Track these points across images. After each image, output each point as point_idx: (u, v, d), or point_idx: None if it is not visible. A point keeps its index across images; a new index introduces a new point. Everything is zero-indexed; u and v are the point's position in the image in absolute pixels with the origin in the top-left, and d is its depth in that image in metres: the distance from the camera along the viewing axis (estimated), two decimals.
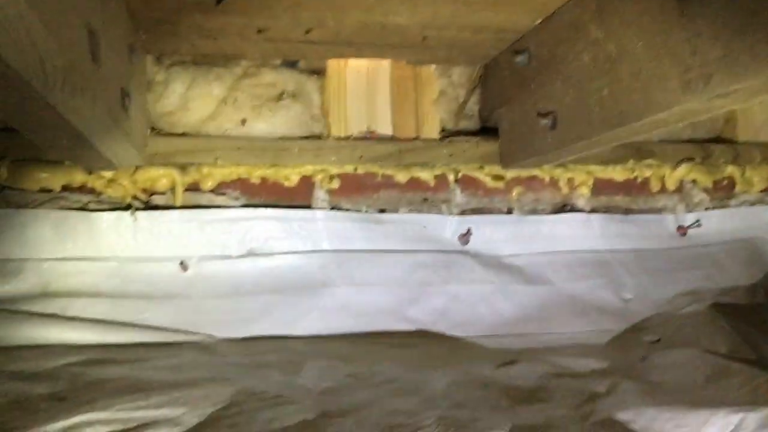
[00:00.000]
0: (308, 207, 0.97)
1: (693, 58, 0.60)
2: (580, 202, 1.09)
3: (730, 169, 1.14)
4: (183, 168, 0.94)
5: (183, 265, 0.91)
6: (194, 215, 0.92)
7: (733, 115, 1.15)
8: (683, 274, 1.07)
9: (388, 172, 1.01)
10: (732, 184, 1.14)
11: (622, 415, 0.66)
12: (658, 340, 0.95)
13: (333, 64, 0.99)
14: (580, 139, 0.79)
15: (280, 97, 0.98)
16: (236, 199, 0.96)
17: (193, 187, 0.95)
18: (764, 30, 0.52)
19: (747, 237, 1.13)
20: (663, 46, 0.63)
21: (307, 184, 0.98)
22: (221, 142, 0.95)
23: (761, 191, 1.15)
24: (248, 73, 0.97)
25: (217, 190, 0.96)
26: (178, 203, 0.93)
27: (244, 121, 0.96)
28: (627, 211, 1.10)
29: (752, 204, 1.15)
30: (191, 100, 0.95)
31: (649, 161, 1.10)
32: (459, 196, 1.04)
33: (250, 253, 0.93)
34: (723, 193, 1.14)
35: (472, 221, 1.02)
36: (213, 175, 0.95)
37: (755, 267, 1.11)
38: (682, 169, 1.12)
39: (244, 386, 0.67)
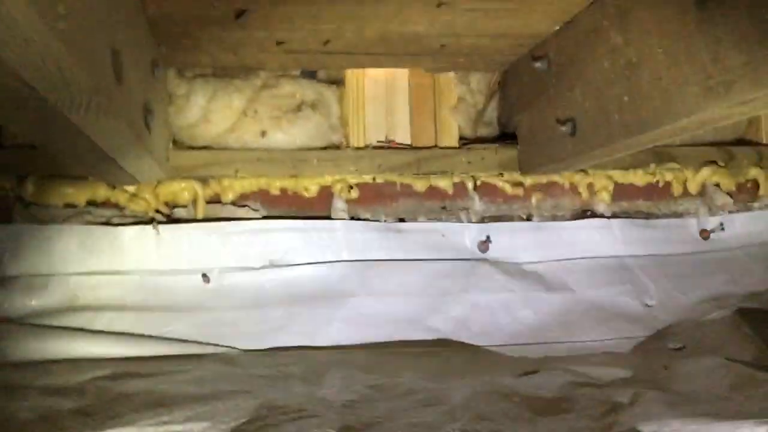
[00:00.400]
0: (327, 217, 0.98)
1: (714, 66, 0.59)
2: (601, 208, 1.08)
3: (754, 171, 1.12)
4: (204, 181, 0.95)
5: (205, 278, 0.92)
6: (215, 228, 0.93)
7: (756, 117, 1.13)
8: (706, 279, 1.06)
9: (407, 180, 1.01)
10: (756, 186, 1.13)
11: (646, 427, 0.65)
12: (682, 348, 0.94)
13: (351, 74, 0.99)
14: (600, 146, 0.79)
15: (299, 107, 0.98)
16: (256, 210, 0.97)
17: (215, 200, 0.96)
18: None
19: None
20: (683, 52, 0.62)
21: (326, 194, 0.99)
22: (241, 154, 0.96)
23: None
24: (268, 84, 0.98)
25: (238, 202, 0.96)
26: (200, 216, 0.95)
27: (263, 133, 0.97)
28: (648, 216, 1.09)
29: None
30: (212, 112, 0.96)
31: (671, 165, 1.09)
32: (478, 204, 1.04)
33: (271, 265, 0.93)
34: (747, 195, 1.13)
35: (492, 228, 1.02)
36: (233, 187, 0.96)
37: None
38: (705, 172, 1.10)
39: (266, 399, 0.68)
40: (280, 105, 0.98)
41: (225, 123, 0.96)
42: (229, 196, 0.96)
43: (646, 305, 1.02)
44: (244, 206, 0.97)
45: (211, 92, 0.96)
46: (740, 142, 1.15)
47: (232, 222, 0.94)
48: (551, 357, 0.90)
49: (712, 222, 1.10)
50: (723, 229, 1.10)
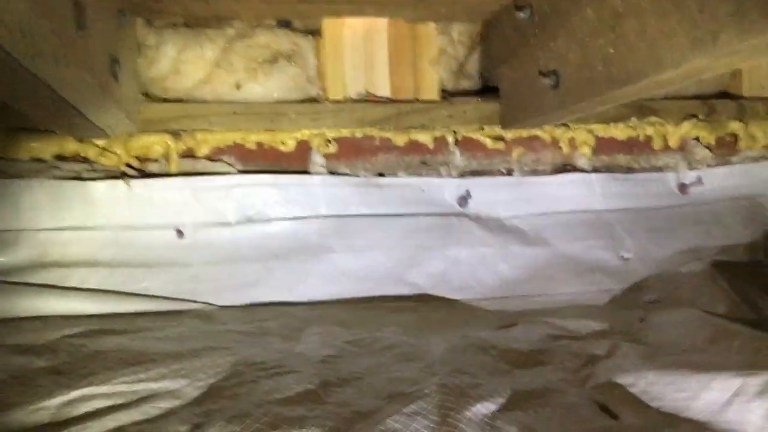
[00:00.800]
0: (305, 172, 0.96)
1: (701, 15, 0.58)
2: (582, 162, 1.07)
3: (734, 125, 1.12)
4: (177, 134, 0.92)
5: (180, 233, 0.90)
6: (189, 182, 0.91)
7: (738, 70, 1.12)
8: (683, 232, 1.07)
9: (387, 135, 0.99)
10: (735, 140, 1.12)
11: (622, 379, 0.66)
12: (657, 300, 0.95)
13: (329, 24, 0.96)
14: (584, 99, 0.77)
15: (275, 59, 0.95)
16: (232, 165, 0.95)
17: (188, 154, 0.93)
18: None
19: (749, 194, 1.12)
20: (670, 2, 0.61)
21: (303, 148, 0.96)
22: (215, 107, 0.93)
23: (765, 146, 1.14)
24: (242, 34, 0.95)
25: (213, 156, 0.94)
26: (173, 170, 0.92)
27: (238, 85, 0.94)
28: (629, 170, 1.09)
29: (755, 160, 1.14)
30: (184, 64, 0.92)
31: (652, 119, 1.08)
32: (458, 158, 1.02)
33: (247, 220, 0.92)
34: (726, 149, 1.12)
35: (472, 183, 1.01)
36: (207, 141, 0.93)
37: (756, 225, 1.10)
38: (685, 126, 1.10)
39: (244, 356, 0.67)
40: (255, 56, 0.95)
41: (198, 75, 0.93)
42: (204, 151, 0.93)
43: (623, 258, 1.03)
44: (218, 161, 0.94)
45: (182, 43, 0.92)
46: (721, 95, 1.14)
47: (207, 176, 0.92)
48: (529, 310, 0.91)
49: (690, 176, 1.10)
50: (701, 183, 1.10)
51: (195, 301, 0.86)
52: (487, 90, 1.03)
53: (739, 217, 1.09)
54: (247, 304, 0.88)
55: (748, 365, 0.62)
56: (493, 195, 1.02)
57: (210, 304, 0.87)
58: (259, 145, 0.95)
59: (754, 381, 0.58)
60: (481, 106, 1.01)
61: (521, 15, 0.87)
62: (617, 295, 0.98)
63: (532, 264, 0.99)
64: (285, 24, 0.97)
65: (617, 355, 0.73)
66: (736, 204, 1.10)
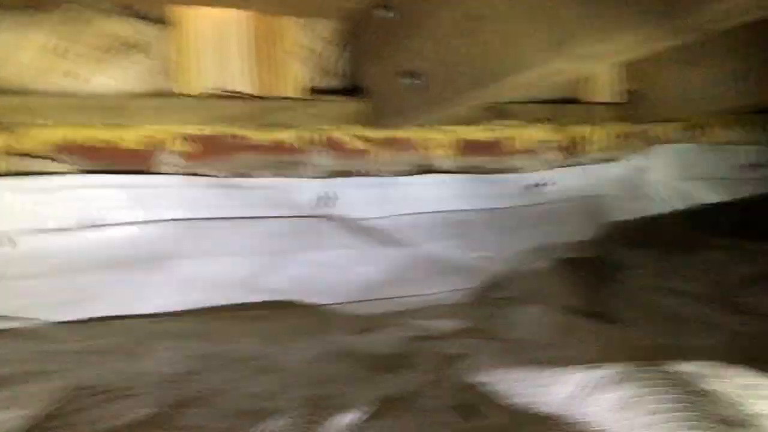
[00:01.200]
0: (154, 172, 0.89)
1: (554, 19, 0.60)
2: (443, 163, 1.09)
3: (581, 129, 1.20)
4: (7, 129, 0.82)
5: (11, 242, 0.80)
6: (21, 183, 0.81)
7: (585, 76, 1.20)
8: (534, 230, 1.13)
9: (246, 133, 0.95)
10: (581, 143, 1.20)
11: (476, 378, 0.68)
12: (510, 297, 0.99)
13: (181, 12, 0.90)
14: (447, 99, 0.78)
15: (122, 48, 0.87)
16: (73, 164, 0.86)
17: (20, 152, 0.83)
18: None
19: (592, 194, 1.20)
20: (526, 4, 0.62)
21: (154, 146, 0.89)
22: (52, 100, 0.84)
23: (604, 150, 1.22)
24: (81, 19, 0.86)
25: (51, 154, 0.84)
26: (4, 170, 0.82)
27: (81, 76, 0.85)
28: (487, 171, 1.13)
29: (599, 162, 1.22)
30: (14, 50, 0.82)
31: (507, 121, 1.13)
32: (323, 159, 1.00)
33: (89, 225, 0.83)
34: (572, 151, 1.20)
35: (336, 184, 0.99)
36: (44, 138, 0.84)
37: (599, 222, 1.18)
38: (537, 129, 1.16)
39: (81, 378, 0.61)
40: (97, 44, 0.86)
41: (34, 63, 0.83)
42: (38, 148, 0.84)
43: (479, 257, 1.06)
44: (55, 160, 0.85)
45: (13, 26, 0.82)
46: (571, 100, 1.21)
47: (43, 177, 0.83)
48: (392, 312, 0.91)
49: (541, 177, 1.16)
50: (551, 183, 1.17)
51: (25, 318, 0.77)
52: (354, 89, 1.02)
53: (584, 215, 1.17)
54: (86, 320, 0.80)
55: (597, 359, 0.64)
56: (357, 196, 1.01)
57: (43, 320, 0.78)
58: (104, 142, 0.87)
59: (598, 373, 0.60)
60: (348, 105, 1.00)
61: (383, 13, 0.87)
62: (474, 293, 1.01)
63: (396, 266, 0.99)
64: (132, 11, 0.89)
65: (472, 353, 0.75)
66: (581, 203, 1.18)
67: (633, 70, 1.20)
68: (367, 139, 1.03)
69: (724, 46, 1.05)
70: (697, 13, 0.50)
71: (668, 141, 1.27)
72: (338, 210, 0.99)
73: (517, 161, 1.15)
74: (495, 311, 0.88)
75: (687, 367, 0.60)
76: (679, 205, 1.24)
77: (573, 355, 0.70)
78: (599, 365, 0.63)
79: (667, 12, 0.52)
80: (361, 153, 1.03)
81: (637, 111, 1.21)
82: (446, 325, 0.85)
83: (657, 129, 1.27)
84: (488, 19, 0.68)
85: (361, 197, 1.01)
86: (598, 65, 0.65)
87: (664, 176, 1.24)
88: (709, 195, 1.27)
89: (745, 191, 1.28)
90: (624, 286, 0.96)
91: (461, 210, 1.07)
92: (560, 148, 1.18)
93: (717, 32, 0.55)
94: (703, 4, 0.49)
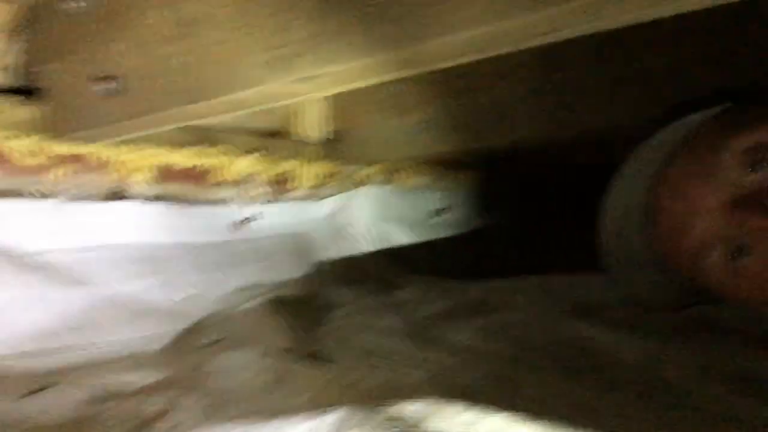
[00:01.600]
0: None
1: (280, 35, 0.55)
2: (138, 189, 0.95)
3: (289, 164, 1.17)
4: None
5: None
6: None
7: (299, 109, 1.19)
8: (241, 268, 1.05)
9: None
10: (289, 178, 1.18)
11: None
12: (217, 341, 0.89)
13: None
14: (147, 113, 0.68)
15: None
16: None
17: None
18: (353, 11, 0.50)
19: (299, 231, 1.18)
20: (250, 15, 0.56)
21: None
22: None
23: (311, 187, 1.22)
24: None
25: None
26: None
27: None
28: (188, 202, 1.01)
29: (303, 199, 1.21)
30: None
31: (214, 149, 1.04)
32: None
33: None
34: (280, 187, 1.16)
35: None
36: None
37: (307, 260, 1.16)
38: (245, 161, 1.10)
39: None
40: None
41: None
42: None
43: (179, 298, 0.94)
44: None
45: None
46: (281, 133, 1.18)
47: None
48: (71, 366, 0.73)
49: (247, 212, 1.10)
50: (257, 219, 1.11)
51: None
52: (32, 90, 0.82)
53: (294, 253, 1.14)
54: None
55: (313, 407, 0.59)
56: (26, 224, 0.80)
57: None
58: None
59: (328, 419, 0.56)
60: (21, 108, 0.80)
61: (74, 5, 0.72)
62: (177, 339, 0.88)
63: (76, 309, 0.80)
64: None
65: (176, 410, 0.63)
66: (290, 241, 1.14)
67: (340, 110, 1.23)
68: (42, 153, 0.84)
69: (418, 94, 1.14)
70: (423, 47, 0.50)
71: (371, 183, 1.32)
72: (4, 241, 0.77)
73: (224, 192, 1.07)
74: (201, 359, 0.77)
75: (409, 407, 0.59)
76: (381, 245, 1.29)
77: (293, 404, 0.64)
78: (324, 410, 0.58)
79: (398, 42, 0.51)
80: (33, 170, 0.83)
81: (342, 151, 1.24)
82: (141, 378, 0.71)
83: (361, 171, 1.32)
84: (204, 26, 0.60)
85: (30, 226, 0.81)
86: (320, 89, 0.61)
87: (366, 217, 1.28)
88: (404, 236, 1.35)
89: (434, 234, 1.41)
90: (334, 324, 0.94)
91: (161, 244, 0.94)
92: (270, 182, 1.13)
93: (438, 70, 0.57)
94: (428, 38, 0.50)
